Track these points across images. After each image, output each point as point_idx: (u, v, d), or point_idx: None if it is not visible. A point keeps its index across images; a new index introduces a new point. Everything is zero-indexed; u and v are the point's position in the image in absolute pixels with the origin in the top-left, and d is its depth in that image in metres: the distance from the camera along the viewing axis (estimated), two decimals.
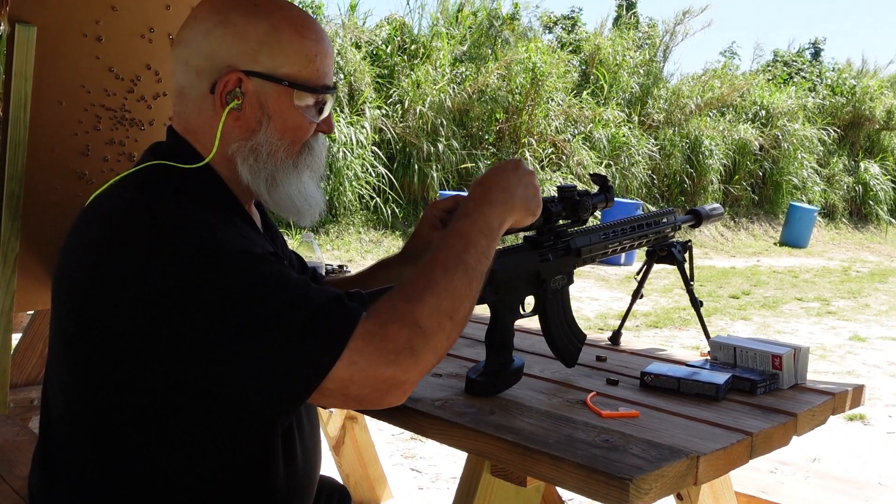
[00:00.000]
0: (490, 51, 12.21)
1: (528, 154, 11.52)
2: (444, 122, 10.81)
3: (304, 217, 1.19)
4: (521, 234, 1.38)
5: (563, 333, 1.47)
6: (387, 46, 11.28)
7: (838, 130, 16.65)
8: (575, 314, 1.50)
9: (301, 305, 0.96)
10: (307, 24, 1.15)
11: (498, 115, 11.62)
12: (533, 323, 1.51)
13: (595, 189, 1.49)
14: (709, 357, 1.58)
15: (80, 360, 1.05)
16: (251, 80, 1.11)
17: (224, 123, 1.12)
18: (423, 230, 1.44)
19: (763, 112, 15.43)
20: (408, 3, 16.91)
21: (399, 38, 11.53)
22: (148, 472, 1.07)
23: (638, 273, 1.87)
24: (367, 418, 2.59)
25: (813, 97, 16.75)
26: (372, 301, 1.13)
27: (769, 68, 18.43)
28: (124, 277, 0.98)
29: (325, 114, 1.19)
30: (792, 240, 13.69)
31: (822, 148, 16.15)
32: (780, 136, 15.10)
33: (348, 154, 9.54)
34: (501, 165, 1.24)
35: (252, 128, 1.13)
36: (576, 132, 12.48)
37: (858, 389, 1.53)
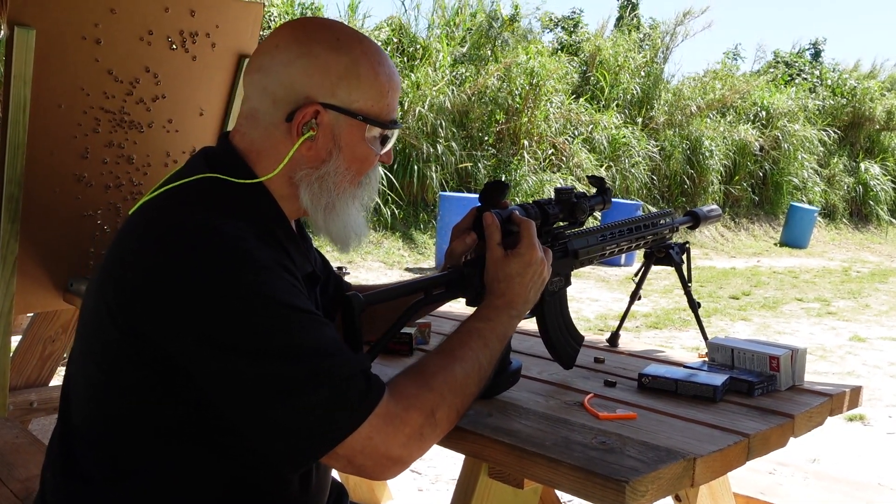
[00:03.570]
0: (490, 52, 12.21)
1: (527, 156, 11.52)
2: (444, 124, 10.80)
3: (348, 246, 1.24)
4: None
5: (560, 335, 1.47)
6: (386, 48, 11.28)
7: (838, 131, 16.66)
8: (575, 315, 1.50)
9: (332, 374, 1.01)
10: (382, 61, 1.19)
11: (498, 117, 11.62)
12: (531, 325, 1.52)
13: (593, 191, 1.49)
14: (707, 358, 1.58)
15: (118, 365, 1.07)
16: (327, 113, 1.14)
17: (296, 152, 1.15)
18: (450, 252, 1.44)
19: (763, 113, 15.44)
20: (403, 4, 16.95)
21: (398, 40, 11.54)
22: (166, 478, 1.08)
23: (636, 275, 1.87)
24: None
25: (813, 98, 16.76)
26: (369, 301, 1.18)
27: (771, 69, 18.43)
28: (181, 305, 1.01)
29: (389, 146, 1.23)
30: (792, 240, 13.69)
31: (822, 148, 16.15)
32: (781, 137, 15.10)
33: None
34: (527, 266, 1.25)
35: (322, 158, 1.16)
36: (576, 133, 12.48)
37: (856, 391, 1.54)
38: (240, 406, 1.02)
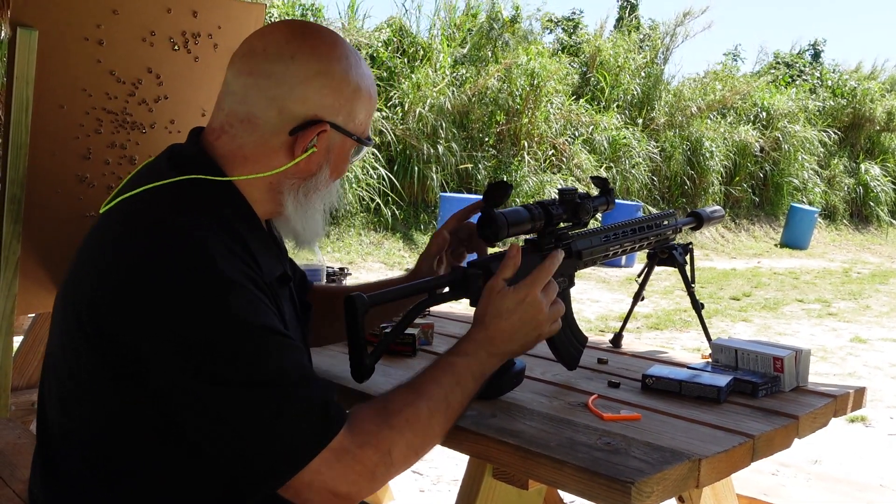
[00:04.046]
0: (490, 53, 12.21)
1: (527, 156, 11.52)
2: (444, 125, 10.81)
3: (310, 246, 1.26)
4: (522, 237, 1.38)
5: (564, 336, 1.47)
6: (386, 49, 11.28)
7: (839, 132, 16.66)
8: (576, 316, 1.50)
9: (291, 403, 1.00)
10: (373, 81, 1.22)
11: (498, 118, 11.62)
12: None
13: (596, 192, 1.49)
14: (710, 359, 1.58)
15: (91, 375, 1.05)
16: (331, 131, 1.16)
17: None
18: (427, 253, 1.46)
19: (764, 114, 15.44)
20: (403, 5, 16.97)
21: (398, 40, 11.54)
22: (148, 486, 1.07)
23: (639, 275, 1.87)
24: None
25: (813, 99, 16.76)
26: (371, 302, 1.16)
27: (771, 70, 18.44)
28: (151, 313, 1.00)
29: (358, 158, 1.26)
30: (792, 241, 13.69)
31: (822, 149, 16.16)
32: (781, 138, 15.10)
33: None
34: (520, 303, 1.21)
35: (313, 171, 1.18)
36: (576, 134, 12.49)
37: (860, 392, 1.53)
38: (195, 424, 1.00)
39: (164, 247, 1.02)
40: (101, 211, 1.15)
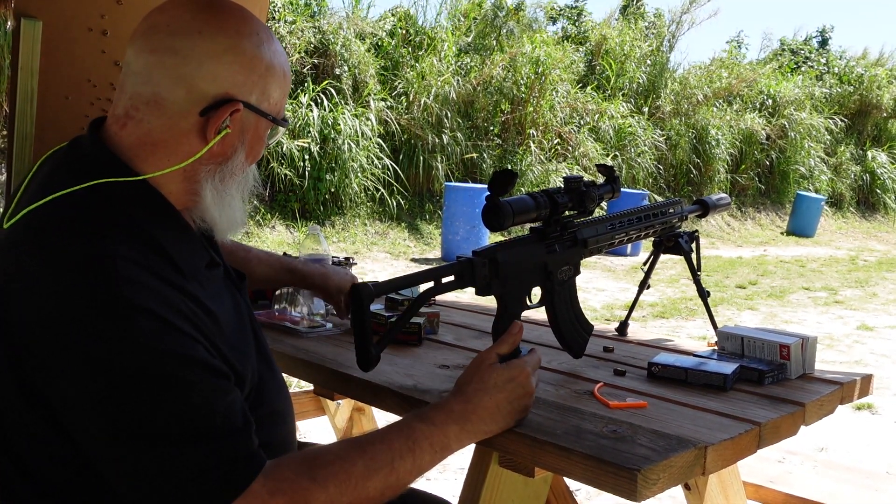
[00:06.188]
0: (495, 42, 12.18)
1: (532, 145, 11.50)
2: (449, 114, 10.79)
3: (230, 233, 1.17)
4: (528, 226, 1.38)
5: (570, 324, 1.47)
6: (391, 38, 11.26)
7: (845, 119, 16.59)
8: (581, 305, 1.50)
9: (198, 460, 0.93)
10: (286, 59, 1.17)
11: (503, 107, 11.60)
12: (540, 314, 1.51)
13: (601, 180, 1.49)
14: (716, 347, 1.58)
15: (13, 409, 0.99)
16: (243, 111, 1.10)
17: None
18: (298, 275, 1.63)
19: (770, 101, 15.38)
20: None
21: (403, 30, 11.51)
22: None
23: (645, 264, 1.87)
24: (375, 409, 2.60)
25: (820, 86, 16.69)
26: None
27: (777, 57, 18.34)
28: (65, 344, 0.93)
29: (274, 140, 1.21)
30: (799, 229, 13.65)
31: (829, 137, 16.09)
32: (787, 126, 15.04)
33: (353, 146, 9.55)
34: (510, 380, 1.14)
35: (228, 155, 1.11)
36: (582, 123, 12.46)
37: (867, 379, 1.53)
38: (110, 453, 0.94)
39: (67, 278, 0.94)
40: (4, 226, 1.04)
